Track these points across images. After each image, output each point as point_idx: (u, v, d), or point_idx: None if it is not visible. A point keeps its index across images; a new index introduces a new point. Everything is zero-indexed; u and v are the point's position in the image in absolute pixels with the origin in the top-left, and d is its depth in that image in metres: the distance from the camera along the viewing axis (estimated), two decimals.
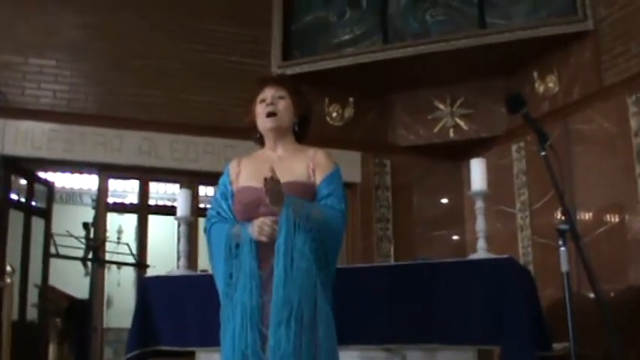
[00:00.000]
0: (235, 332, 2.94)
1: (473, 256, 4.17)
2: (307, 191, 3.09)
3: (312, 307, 2.88)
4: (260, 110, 3.27)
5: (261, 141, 3.38)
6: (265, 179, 2.84)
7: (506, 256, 3.97)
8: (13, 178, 7.53)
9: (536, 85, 7.61)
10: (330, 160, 3.24)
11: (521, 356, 3.62)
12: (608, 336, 3.23)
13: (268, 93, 3.27)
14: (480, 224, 4.30)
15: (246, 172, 3.26)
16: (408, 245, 8.16)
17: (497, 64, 7.74)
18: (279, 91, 3.28)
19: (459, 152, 8.31)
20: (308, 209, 2.96)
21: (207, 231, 3.28)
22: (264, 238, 2.97)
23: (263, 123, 3.26)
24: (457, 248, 8.21)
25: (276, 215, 2.96)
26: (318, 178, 3.14)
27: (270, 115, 3.23)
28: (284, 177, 3.01)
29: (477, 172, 4.36)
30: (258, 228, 2.98)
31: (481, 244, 4.23)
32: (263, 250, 2.99)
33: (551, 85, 7.50)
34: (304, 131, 3.41)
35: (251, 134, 3.40)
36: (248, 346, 2.89)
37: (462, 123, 8.25)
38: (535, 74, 7.64)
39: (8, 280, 5.54)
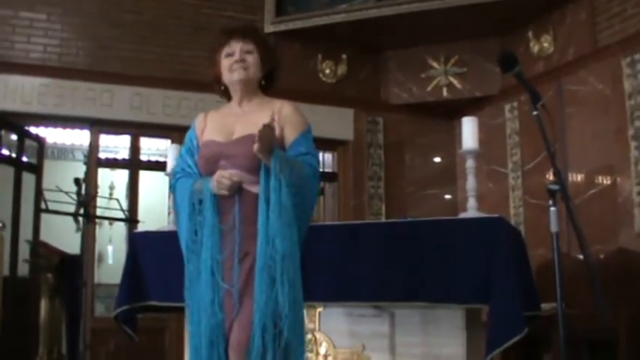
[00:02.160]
0: (203, 289, 2.93)
1: (463, 215, 4.16)
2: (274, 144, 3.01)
3: (295, 264, 2.88)
4: (227, 64, 3.19)
5: (226, 94, 3.31)
6: (263, 125, 2.82)
7: (496, 215, 3.96)
8: (3, 133, 7.48)
9: (531, 44, 7.57)
10: (302, 115, 3.18)
11: (509, 315, 3.62)
12: (596, 298, 3.24)
13: (236, 47, 3.19)
14: (471, 183, 4.29)
15: (210, 126, 3.22)
16: (400, 204, 8.18)
17: (493, 22, 7.68)
18: (247, 44, 3.20)
19: (452, 111, 8.30)
20: (291, 164, 2.93)
21: (172, 187, 3.26)
22: (223, 192, 2.95)
23: (230, 76, 3.19)
24: (449, 207, 8.22)
25: (237, 169, 2.96)
26: (290, 134, 3.09)
27: (239, 68, 3.16)
28: (246, 130, 3.01)
29: (469, 131, 4.34)
30: (216, 182, 2.96)
31: (471, 203, 4.22)
32: (223, 203, 2.98)
33: (546, 45, 7.45)
34: (270, 85, 3.34)
35: (215, 87, 3.34)
36: (210, 302, 2.90)
37: (455, 82, 8.22)
38: (530, 34, 7.59)
39: None
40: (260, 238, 2.86)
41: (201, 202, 3.01)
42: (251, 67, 3.17)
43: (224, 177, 2.94)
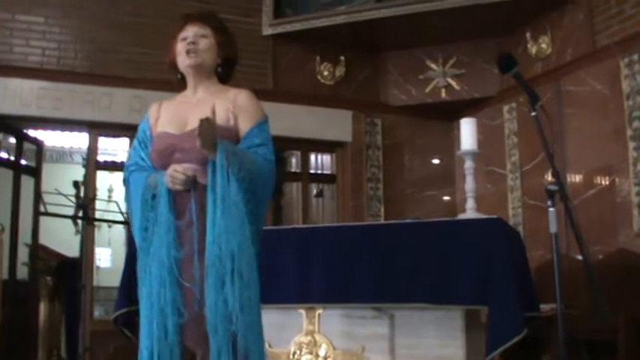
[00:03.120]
0: (153, 289, 2.79)
1: (462, 216, 4.18)
2: (225, 135, 2.83)
3: (248, 262, 2.72)
4: (181, 48, 3.06)
5: (182, 83, 3.17)
6: (201, 120, 2.67)
7: (495, 216, 3.98)
8: (1, 136, 7.49)
9: (529, 45, 7.56)
10: (258, 105, 3.03)
11: (508, 317, 3.64)
12: (595, 298, 3.24)
13: (190, 31, 3.06)
14: (470, 184, 4.31)
15: (164, 116, 3.07)
16: (399, 205, 8.17)
17: (491, 24, 7.67)
18: (203, 29, 3.07)
19: (451, 112, 8.30)
20: (241, 157, 2.77)
21: (124, 181, 3.11)
22: (178, 187, 2.81)
23: (182, 60, 3.06)
24: (448, 209, 8.23)
25: (192, 162, 2.83)
26: (244, 124, 2.94)
27: (191, 52, 3.02)
28: (194, 119, 2.85)
29: (467, 132, 4.36)
30: (169, 177, 2.83)
31: (470, 204, 4.24)
32: (179, 198, 2.85)
33: (543, 46, 7.45)
34: (228, 73, 3.20)
35: (172, 74, 3.20)
36: (167, 302, 2.75)
37: (453, 83, 8.22)
38: (528, 35, 7.59)
39: None
40: (207, 236, 2.71)
41: (154, 197, 2.87)
42: (203, 51, 3.04)
43: (178, 172, 2.81)
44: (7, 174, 7.49)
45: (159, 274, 2.79)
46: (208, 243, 2.71)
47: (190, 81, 3.12)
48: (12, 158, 7.76)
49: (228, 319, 2.64)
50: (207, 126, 2.67)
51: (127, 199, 3.06)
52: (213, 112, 2.74)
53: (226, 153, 2.73)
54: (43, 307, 8.02)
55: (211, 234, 2.71)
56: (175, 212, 2.84)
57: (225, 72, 3.17)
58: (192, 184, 2.82)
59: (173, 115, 3.03)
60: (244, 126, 2.94)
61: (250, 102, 3.01)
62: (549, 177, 6.88)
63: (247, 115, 2.96)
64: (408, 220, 4.35)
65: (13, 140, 7.85)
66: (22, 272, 7.74)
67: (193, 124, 2.82)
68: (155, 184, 2.88)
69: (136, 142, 3.14)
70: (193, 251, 2.77)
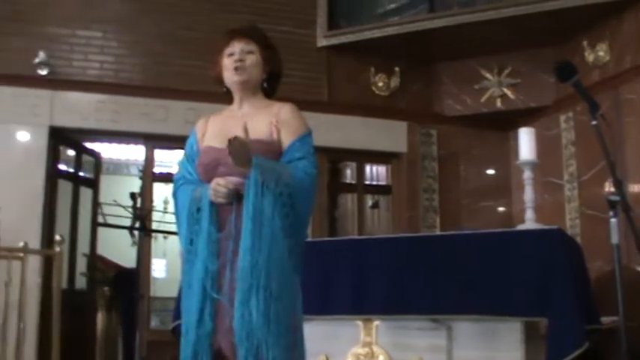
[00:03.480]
0: (192, 300, 2.85)
1: (521, 227, 4.13)
2: (268, 150, 2.89)
3: (280, 276, 2.74)
4: (228, 64, 3.08)
5: (229, 96, 3.19)
6: (229, 140, 2.70)
7: (555, 227, 3.92)
8: (61, 148, 7.63)
9: (586, 53, 7.45)
10: (300, 119, 3.05)
11: (569, 329, 3.59)
12: None
13: (237, 46, 3.07)
14: (529, 194, 4.26)
15: (210, 130, 3.09)
16: (454, 216, 8.11)
17: (546, 32, 7.59)
18: (249, 45, 3.09)
19: (506, 122, 8.22)
20: (278, 172, 2.80)
21: (173, 194, 3.14)
22: (221, 200, 2.84)
23: (230, 77, 3.08)
24: (503, 220, 8.14)
25: (236, 176, 2.84)
26: (286, 138, 2.95)
27: (238, 69, 3.05)
28: (242, 135, 2.85)
29: (526, 142, 4.32)
30: (213, 190, 2.86)
31: (529, 214, 4.19)
32: (222, 212, 2.87)
33: (601, 53, 7.34)
34: (273, 88, 3.22)
35: (218, 89, 3.22)
36: (201, 314, 2.81)
37: (509, 93, 8.14)
38: (585, 43, 7.48)
39: (58, 249, 5.62)
40: (241, 249, 2.76)
41: (199, 210, 2.91)
42: (250, 67, 3.07)
43: (220, 185, 2.84)
44: (67, 186, 7.62)
45: (197, 285, 2.84)
46: (239, 256, 2.76)
47: (236, 96, 3.15)
48: (71, 170, 7.90)
49: (253, 332, 2.67)
50: (237, 144, 2.71)
51: (176, 212, 3.10)
52: (245, 130, 2.77)
53: (261, 169, 2.76)
54: (100, 317, 8.13)
55: (242, 247, 2.75)
56: (217, 225, 2.88)
57: (270, 86, 3.20)
58: (235, 197, 2.85)
59: (219, 130, 3.05)
60: (286, 139, 2.95)
61: (293, 115, 3.03)
62: (608, 187, 6.77)
63: (290, 129, 2.97)
64: (466, 231, 4.31)
65: (72, 152, 7.99)
66: (81, 282, 7.87)
67: None
68: (200, 198, 2.92)
69: (184, 156, 3.17)
70: (227, 263, 2.82)
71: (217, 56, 3.14)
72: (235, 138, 2.71)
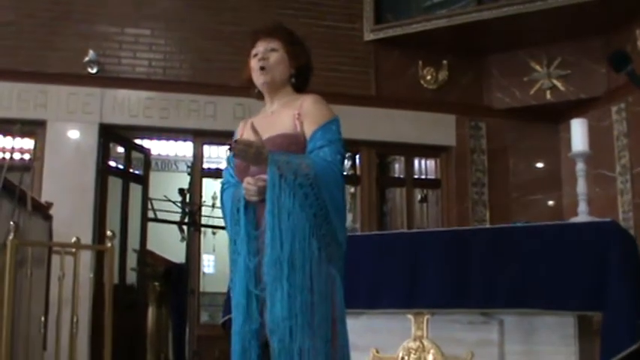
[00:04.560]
0: (237, 297, 2.92)
1: (574, 220, 4.07)
2: (291, 142, 2.93)
3: (306, 267, 2.76)
4: (253, 65, 3.10)
5: (261, 96, 3.21)
6: (230, 144, 2.78)
7: (608, 219, 3.86)
8: (111, 145, 7.72)
9: (639, 43, 7.32)
10: (323, 107, 3.02)
11: (624, 324, 3.53)
12: None
13: (261, 46, 3.10)
14: (581, 187, 4.20)
15: (246, 133, 3.07)
16: (504, 210, 8.04)
17: (596, 21, 7.46)
18: (272, 43, 3.11)
19: (556, 114, 8.12)
20: (295, 165, 2.80)
21: (220, 199, 3.20)
22: (253, 198, 2.88)
23: (256, 78, 3.10)
24: (554, 213, 8.04)
25: (265, 173, 2.84)
26: (309, 128, 2.95)
27: (262, 69, 3.06)
28: (269, 132, 2.92)
29: (578, 133, 4.25)
30: (244, 190, 2.91)
31: (582, 207, 4.13)
32: (258, 210, 2.91)
33: None
34: (304, 81, 3.22)
35: (250, 90, 3.23)
36: (245, 310, 2.87)
37: (559, 84, 8.03)
38: (638, 32, 7.34)
39: (109, 245, 5.67)
40: (265, 244, 2.82)
41: (238, 210, 2.97)
42: (274, 66, 3.08)
43: (250, 183, 2.88)
44: (117, 182, 7.72)
45: (240, 283, 2.92)
46: (266, 251, 2.81)
47: (266, 96, 3.16)
48: (121, 167, 7.99)
49: (279, 324, 2.72)
50: (241, 147, 2.76)
51: (223, 215, 3.15)
52: (255, 130, 2.82)
53: (277, 164, 2.78)
54: (151, 312, 8.21)
55: (265, 241, 2.81)
56: (255, 223, 2.92)
57: (300, 81, 3.20)
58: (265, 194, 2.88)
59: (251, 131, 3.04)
60: (308, 130, 2.95)
61: (315, 106, 3.01)
62: None
63: (311, 119, 2.97)
64: (519, 224, 4.26)
65: (121, 149, 8.08)
66: (131, 277, 7.96)
67: (264, 136, 2.90)
68: (239, 198, 2.97)
69: (227, 160, 3.23)
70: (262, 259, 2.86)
71: (247, 59, 3.18)
72: (236, 142, 2.77)
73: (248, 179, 2.90)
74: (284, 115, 3.01)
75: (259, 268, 2.86)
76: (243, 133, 3.14)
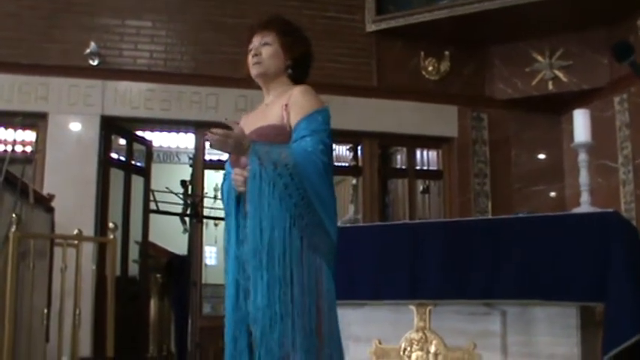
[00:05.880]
0: (228, 285, 2.97)
1: (576, 210, 4.06)
2: (278, 133, 2.95)
3: (286, 257, 2.77)
4: (249, 59, 3.15)
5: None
6: (208, 134, 2.82)
7: (611, 210, 3.85)
8: (113, 137, 7.71)
9: None
10: (310, 98, 3.01)
11: (627, 314, 3.52)
12: None
13: (255, 41, 3.14)
14: (584, 177, 4.19)
15: (245, 126, 3.09)
16: (506, 201, 8.03)
17: (599, 12, 7.44)
18: (266, 37, 3.12)
19: (559, 105, 8.12)
20: (275, 155, 2.82)
21: (220, 189, 3.26)
22: (240, 188, 2.92)
23: (251, 72, 3.14)
24: (556, 204, 8.04)
25: None
26: (294, 118, 2.95)
27: (254, 64, 3.11)
28: (261, 123, 2.99)
29: (581, 124, 4.24)
30: (232, 180, 2.97)
31: (584, 197, 4.12)
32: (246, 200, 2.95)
33: None
34: (303, 72, 3.22)
35: (252, 82, 3.24)
36: (241, 297, 2.90)
37: (561, 75, 8.01)
38: (639, 22, 7.33)
39: (111, 237, 5.68)
40: (247, 236, 2.86)
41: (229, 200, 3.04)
42: (267, 59, 3.10)
43: (237, 174, 2.93)
44: (119, 174, 7.72)
45: (230, 272, 2.97)
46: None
47: (263, 88, 3.20)
48: (122, 159, 7.99)
49: (259, 313, 2.76)
50: (216, 137, 2.80)
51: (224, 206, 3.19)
52: (234, 122, 2.89)
53: (257, 154, 2.82)
54: (153, 304, 8.22)
55: (247, 232, 2.86)
56: (244, 212, 2.94)
57: (298, 72, 3.19)
58: None
59: (250, 123, 3.10)
60: (294, 120, 2.95)
61: (302, 96, 3.00)
62: None
63: (297, 110, 2.97)
64: (521, 215, 4.25)
65: (123, 141, 8.08)
66: (133, 269, 7.96)
67: (255, 127, 3.01)
68: (231, 189, 3.02)
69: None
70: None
71: (246, 53, 3.21)
72: (210, 131, 2.81)
73: (236, 170, 2.94)
74: (275, 106, 3.04)
75: (245, 257, 2.89)
76: (244, 126, 3.13)
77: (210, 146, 2.88)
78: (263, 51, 3.10)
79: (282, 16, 3.26)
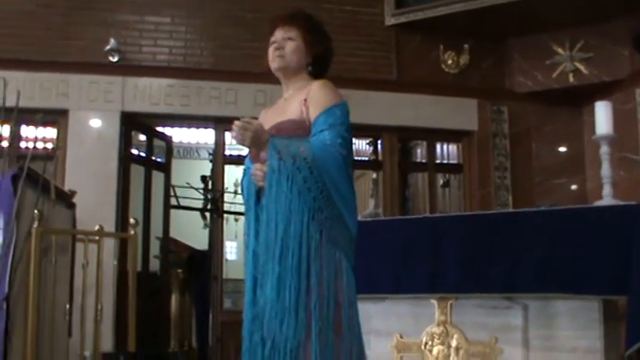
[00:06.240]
0: (247, 281, 2.97)
1: (598, 203, 4.03)
2: (298, 127, 2.96)
3: (302, 250, 2.77)
4: (270, 52, 3.14)
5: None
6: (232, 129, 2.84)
7: (634, 202, 3.82)
8: (133, 133, 7.74)
9: None
10: (328, 92, 3.00)
11: None
12: None
13: (278, 34, 3.13)
14: (606, 170, 4.16)
15: (264, 120, 3.10)
16: (527, 194, 7.99)
17: (619, 4, 7.37)
18: (289, 31, 3.12)
19: (579, 98, 8.06)
20: (294, 149, 2.83)
21: (240, 185, 3.25)
22: (260, 183, 2.93)
23: (271, 64, 3.13)
24: (577, 197, 7.99)
25: None
26: (313, 112, 2.95)
27: (276, 57, 3.10)
28: (280, 117, 3.00)
29: (602, 116, 4.22)
30: (252, 175, 2.97)
31: (607, 190, 4.10)
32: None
33: None
34: (322, 69, 3.21)
35: (272, 77, 3.23)
36: (258, 293, 2.89)
37: (581, 67, 7.95)
38: None
39: (132, 232, 5.71)
40: (263, 229, 2.89)
41: (250, 195, 3.05)
42: (289, 54, 3.09)
43: (257, 169, 2.93)
44: (139, 170, 7.74)
45: (248, 266, 2.98)
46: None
47: (282, 82, 3.20)
48: (143, 155, 8.02)
49: (269, 305, 2.77)
50: (237, 129, 2.83)
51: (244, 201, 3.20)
52: (252, 118, 2.89)
53: (277, 148, 2.83)
54: (174, 299, 8.25)
55: (262, 224, 2.88)
56: (260, 207, 2.96)
57: (317, 69, 3.19)
58: None
59: (270, 118, 3.10)
60: (313, 114, 2.96)
61: (320, 91, 3.00)
62: None
63: (316, 104, 2.96)
64: (543, 208, 4.23)
65: (143, 137, 8.11)
66: (154, 265, 8.00)
67: (275, 121, 3.02)
68: (251, 184, 3.02)
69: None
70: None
71: (267, 45, 3.20)
72: (234, 123, 2.83)
73: (256, 165, 2.95)
74: (294, 101, 3.04)
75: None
76: (264, 121, 3.13)
77: (233, 139, 2.87)
78: (286, 45, 3.10)
79: (306, 11, 3.25)
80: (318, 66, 3.19)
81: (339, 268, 2.82)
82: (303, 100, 2.99)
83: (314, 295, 2.73)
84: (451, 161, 8.71)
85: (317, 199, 2.80)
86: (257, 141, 2.85)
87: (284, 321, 2.72)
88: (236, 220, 10.34)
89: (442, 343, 4.16)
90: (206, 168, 9.87)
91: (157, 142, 8.18)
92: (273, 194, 2.82)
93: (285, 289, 2.73)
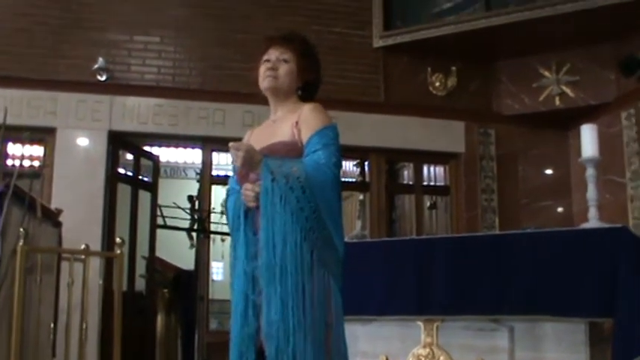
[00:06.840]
0: (235, 302, 2.94)
1: (584, 226, 4.05)
2: (290, 149, 2.93)
3: (298, 271, 2.76)
4: (261, 70, 3.10)
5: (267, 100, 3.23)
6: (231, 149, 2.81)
7: (619, 225, 3.83)
8: (120, 152, 7.73)
9: None
10: (319, 114, 2.99)
11: (635, 330, 3.50)
12: None
13: (273, 54, 3.10)
14: (591, 192, 4.18)
15: (252, 141, 3.06)
16: (513, 216, 8.02)
17: (605, 28, 7.43)
18: (284, 53, 3.10)
19: (566, 121, 8.11)
20: (287, 168, 2.81)
21: (224, 206, 3.26)
22: (251, 204, 2.90)
23: (260, 83, 3.11)
24: (563, 220, 8.02)
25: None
26: (305, 134, 2.94)
27: (268, 76, 3.06)
28: (270, 140, 2.97)
29: (588, 139, 4.24)
30: (243, 195, 2.94)
31: (592, 212, 4.11)
32: (257, 215, 2.91)
33: None
34: (310, 95, 3.19)
35: (259, 96, 3.21)
36: (250, 313, 2.87)
37: (568, 90, 8.01)
38: None
39: (118, 251, 5.68)
40: (260, 249, 2.84)
41: (239, 217, 2.99)
42: (282, 76, 3.08)
43: (247, 189, 2.91)
44: (126, 189, 7.72)
45: (238, 288, 2.94)
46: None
47: (271, 102, 3.17)
48: (130, 174, 8.00)
49: (274, 327, 2.73)
50: (232, 151, 2.81)
51: (227, 221, 3.18)
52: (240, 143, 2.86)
53: (270, 168, 2.81)
54: (160, 319, 8.21)
55: (260, 245, 2.84)
56: (254, 228, 2.94)
57: (305, 95, 3.18)
58: None
59: (257, 139, 3.08)
60: (305, 136, 2.95)
61: (311, 113, 2.99)
62: None
63: (308, 126, 2.95)
64: (529, 230, 4.24)
65: (130, 156, 8.09)
66: (140, 284, 7.96)
67: (263, 144, 2.97)
68: (240, 205, 2.99)
69: (232, 168, 3.24)
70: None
71: (258, 63, 3.17)
72: (232, 146, 2.80)
73: (246, 185, 2.92)
74: (285, 123, 3.02)
75: (256, 272, 2.87)
76: (250, 141, 3.12)
77: (233, 163, 2.89)
78: (280, 67, 3.09)
79: (302, 35, 3.24)
80: (307, 92, 3.19)
81: (329, 289, 2.82)
82: (294, 123, 2.98)
83: (308, 315, 2.73)
84: (438, 183, 8.73)
85: (309, 219, 2.79)
86: (250, 161, 2.83)
87: (290, 342, 2.70)
88: (223, 240, 10.32)
89: None
90: (193, 188, 9.86)
91: (144, 161, 8.16)
92: (269, 215, 2.80)
93: (288, 311, 2.72)
